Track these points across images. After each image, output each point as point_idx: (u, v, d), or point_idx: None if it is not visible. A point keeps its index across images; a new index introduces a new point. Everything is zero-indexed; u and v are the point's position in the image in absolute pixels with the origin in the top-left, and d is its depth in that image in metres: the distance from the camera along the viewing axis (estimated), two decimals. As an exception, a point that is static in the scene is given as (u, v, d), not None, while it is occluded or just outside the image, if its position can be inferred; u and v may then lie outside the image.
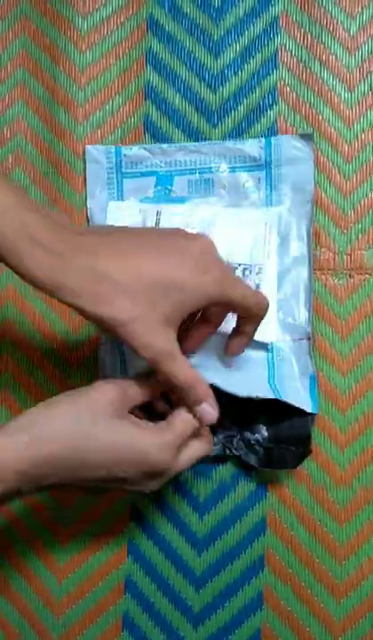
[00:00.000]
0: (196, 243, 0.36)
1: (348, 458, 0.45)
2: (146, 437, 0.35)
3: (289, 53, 0.49)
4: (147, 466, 0.35)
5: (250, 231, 0.45)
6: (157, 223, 0.45)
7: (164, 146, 0.47)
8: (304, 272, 0.45)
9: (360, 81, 0.48)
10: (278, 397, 0.41)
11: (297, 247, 0.46)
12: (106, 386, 0.35)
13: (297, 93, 0.48)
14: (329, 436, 0.45)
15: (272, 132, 0.48)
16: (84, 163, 0.48)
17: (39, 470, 0.33)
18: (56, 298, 0.34)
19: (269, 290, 0.44)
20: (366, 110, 0.48)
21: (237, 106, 0.48)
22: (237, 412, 0.43)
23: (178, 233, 0.37)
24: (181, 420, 0.37)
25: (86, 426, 0.34)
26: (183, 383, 0.36)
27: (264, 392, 0.41)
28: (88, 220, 0.48)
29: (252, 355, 0.43)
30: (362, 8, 0.49)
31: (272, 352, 0.44)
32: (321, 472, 0.45)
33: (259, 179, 0.46)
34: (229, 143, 0.47)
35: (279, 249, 0.45)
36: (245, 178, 0.47)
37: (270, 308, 0.39)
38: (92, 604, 0.45)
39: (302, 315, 0.45)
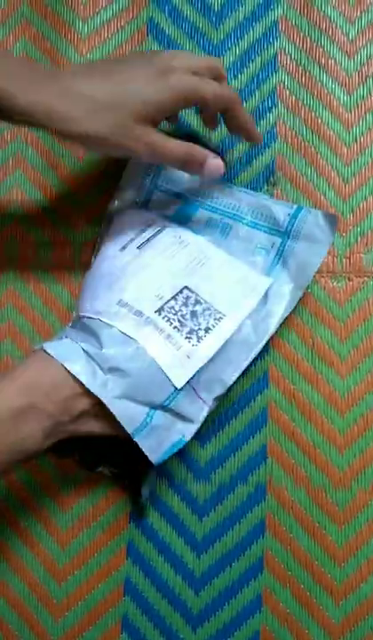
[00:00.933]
0: (163, 53, 0.40)
1: (347, 460, 0.45)
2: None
3: (288, 57, 0.49)
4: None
5: (236, 284, 0.44)
6: (153, 236, 0.45)
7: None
8: (250, 354, 0.43)
9: (359, 84, 0.49)
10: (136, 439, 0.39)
11: (263, 327, 0.44)
12: None
13: (296, 97, 0.48)
14: (328, 438, 0.45)
15: (271, 135, 0.48)
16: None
17: None
18: (42, 125, 0.37)
19: (213, 342, 0.42)
20: (365, 113, 0.48)
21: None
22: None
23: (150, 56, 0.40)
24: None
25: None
26: (180, 158, 0.40)
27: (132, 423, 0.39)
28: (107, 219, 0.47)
29: (157, 385, 0.40)
30: (361, 12, 0.49)
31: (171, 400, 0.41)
32: (320, 474, 0.45)
33: (273, 244, 0.45)
34: (262, 197, 0.46)
35: (251, 316, 0.43)
36: (261, 237, 0.45)
37: (200, 357, 0.41)
38: (92, 606, 0.45)
39: (229, 381, 0.43)
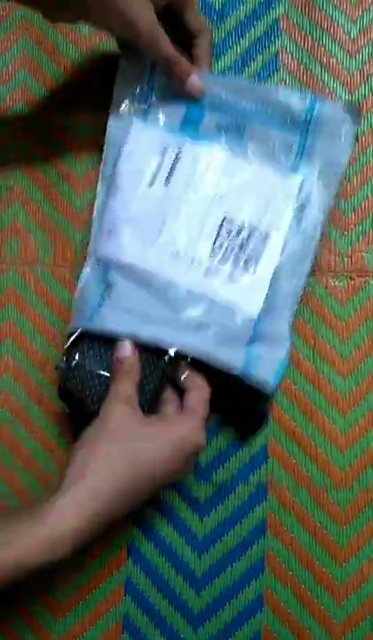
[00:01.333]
0: None
1: (348, 460, 0.45)
2: (179, 427, 0.39)
3: (289, 55, 0.49)
4: (188, 450, 0.38)
5: (268, 195, 0.44)
6: (173, 167, 0.44)
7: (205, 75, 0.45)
8: (307, 259, 0.44)
9: (360, 83, 0.48)
10: (246, 376, 0.41)
11: (311, 223, 0.44)
12: (116, 405, 0.39)
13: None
14: (329, 437, 0.45)
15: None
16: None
17: (98, 519, 0.36)
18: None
19: (269, 262, 0.43)
20: (366, 112, 0.48)
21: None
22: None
23: None
24: (196, 400, 0.41)
25: (130, 446, 0.37)
26: (170, 56, 0.41)
27: (235, 363, 0.41)
28: (105, 145, 0.46)
29: (238, 323, 0.43)
30: (363, 11, 0.49)
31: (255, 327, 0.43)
32: (321, 474, 0.45)
33: (292, 144, 0.44)
34: (271, 89, 0.44)
35: (292, 222, 0.44)
36: (278, 136, 0.44)
37: (263, 279, 0.43)
38: (93, 606, 0.45)
39: (299, 290, 0.44)
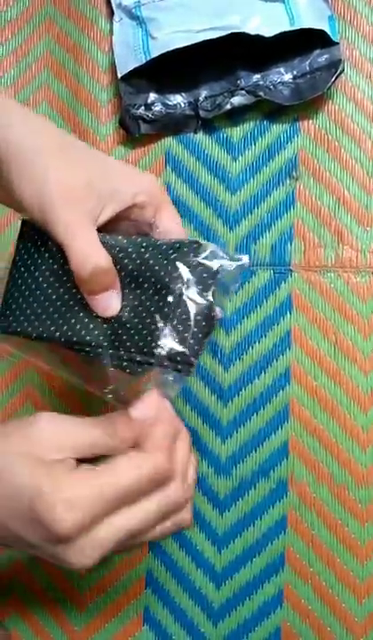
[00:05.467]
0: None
1: (370, 457, 0.45)
2: (52, 482, 0.28)
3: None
4: (42, 527, 0.28)
5: None
6: None
7: None
8: None
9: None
10: (300, 27, 0.44)
11: None
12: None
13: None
14: (350, 434, 0.45)
15: (294, 129, 0.48)
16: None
17: None
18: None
19: None
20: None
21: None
22: (256, 59, 0.47)
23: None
24: (130, 465, 0.30)
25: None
26: (78, 261, 0.31)
27: (287, 27, 0.44)
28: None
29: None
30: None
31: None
32: (342, 471, 0.45)
33: None
34: None
35: None
36: None
37: None
38: (114, 598, 0.46)
39: None
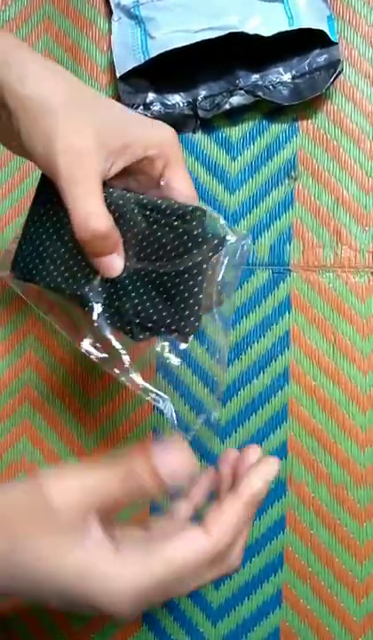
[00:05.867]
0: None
1: (369, 457, 0.45)
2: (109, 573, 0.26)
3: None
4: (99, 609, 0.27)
5: None
6: None
7: None
8: None
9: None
10: (299, 27, 0.45)
11: None
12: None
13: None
14: (349, 434, 0.45)
15: (293, 129, 0.48)
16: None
17: None
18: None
19: None
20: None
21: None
22: (255, 59, 0.47)
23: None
24: (185, 548, 0.27)
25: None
26: (79, 222, 0.31)
27: (286, 27, 0.45)
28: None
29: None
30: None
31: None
32: (341, 471, 0.45)
33: None
34: None
35: None
36: None
37: None
38: (112, 599, 0.46)
39: None
